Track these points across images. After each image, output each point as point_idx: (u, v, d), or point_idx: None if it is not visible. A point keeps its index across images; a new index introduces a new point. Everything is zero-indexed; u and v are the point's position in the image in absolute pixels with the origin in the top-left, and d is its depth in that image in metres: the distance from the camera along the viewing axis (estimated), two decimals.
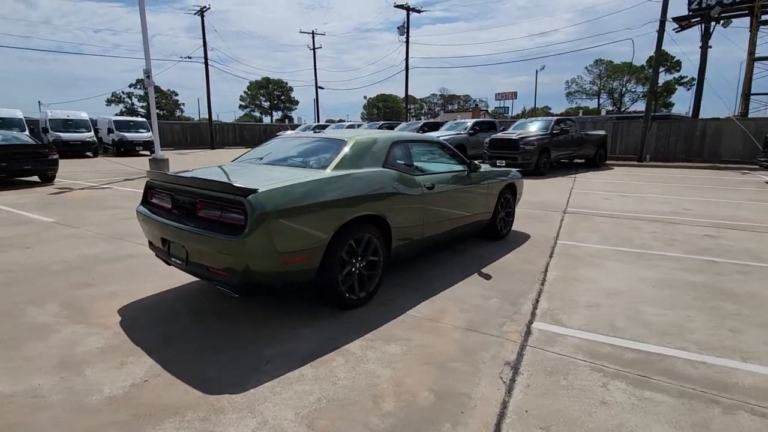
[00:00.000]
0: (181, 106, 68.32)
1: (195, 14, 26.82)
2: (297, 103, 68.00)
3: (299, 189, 2.83)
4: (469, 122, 16.75)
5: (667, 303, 3.43)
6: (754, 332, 2.93)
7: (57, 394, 2.18)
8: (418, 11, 27.39)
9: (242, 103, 66.00)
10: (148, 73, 13.11)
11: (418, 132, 17.46)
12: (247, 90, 64.14)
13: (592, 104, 66.69)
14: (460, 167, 4.52)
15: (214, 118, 29.76)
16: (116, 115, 62.01)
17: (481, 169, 4.81)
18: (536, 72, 51.95)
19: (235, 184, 2.63)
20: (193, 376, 2.35)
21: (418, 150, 4.29)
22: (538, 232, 5.77)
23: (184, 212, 3.00)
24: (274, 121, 65.02)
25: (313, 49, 32.81)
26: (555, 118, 14.81)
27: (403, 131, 4.39)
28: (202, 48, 27.59)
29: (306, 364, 2.48)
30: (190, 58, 28.60)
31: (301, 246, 2.79)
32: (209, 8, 26.72)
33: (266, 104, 66.23)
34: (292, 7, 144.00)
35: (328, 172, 3.16)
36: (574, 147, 14.44)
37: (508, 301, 3.46)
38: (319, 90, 34.32)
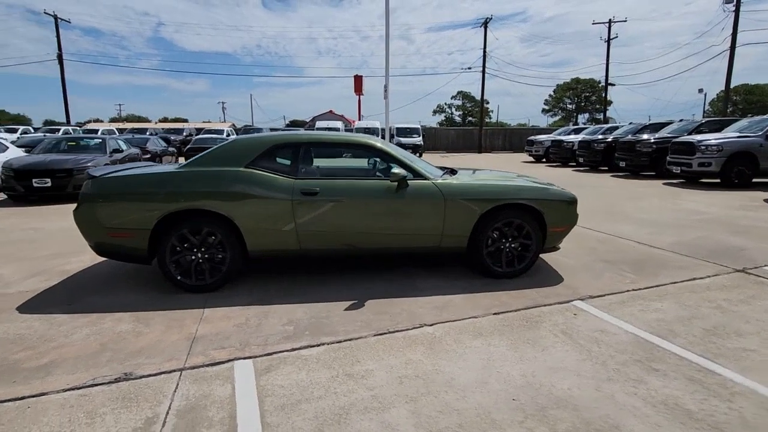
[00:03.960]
0: (490, 113, 73.79)
1: (480, 26, 28.78)
2: (610, 103, 60.40)
3: (126, 179, 3.51)
4: None
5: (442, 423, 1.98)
6: None
7: None
8: None
9: (545, 107, 64.63)
10: (386, 87, 15.67)
11: (692, 132, 12.91)
12: (552, 93, 62.26)
13: None
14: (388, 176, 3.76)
15: (524, 122, 31.05)
16: (438, 123, 74.01)
17: (435, 182, 3.80)
18: None
19: (89, 172, 3.59)
20: (36, 294, 3.52)
21: (327, 153, 3.91)
22: (581, 282, 3.85)
23: None
24: (579, 123, 60.33)
25: (608, 40, 28.49)
26: None
27: (345, 132, 4.12)
28: (483, 57, 29.28)
29: (76, 313, 3.19)
30: (470, 68, 30.96)
31: (124, 225, 3.46)
32: (492, 18, 28.04)
33: (571, 106, 62.21)
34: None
35: (171, 168, 3.62)
36: None
37: (297, 333, 2.89)
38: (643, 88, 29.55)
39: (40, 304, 3.39)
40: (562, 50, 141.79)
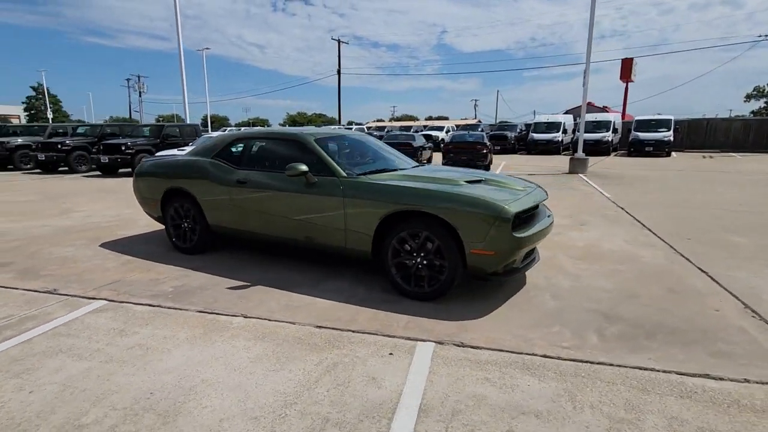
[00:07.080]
0: None
1: None
2: None
3: (152, 162, 4.82)
4: None
5: None
6: None
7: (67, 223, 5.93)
8: None
9: None
10: (585, 72, 13.24)
11: None
12: None
13: None
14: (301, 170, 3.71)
15: None
16: (751, 112, 54.22)
17: (339, 179, 3.56)
18: None
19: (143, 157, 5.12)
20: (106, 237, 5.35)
21: (271, 146, 4.14)
22: (494, 326, 2.87)
23: None
24: None
25: None
26: None
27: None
28: None
29: (114, 252, 4.76)
30: None
31: (150, 196, 4.83)
32: None
33: None
34: None
35: (177, 156, 4.70)
36: None
37: (164, 294, 3.50)
38: None
39: (114, 243, 5.17)
40: None
